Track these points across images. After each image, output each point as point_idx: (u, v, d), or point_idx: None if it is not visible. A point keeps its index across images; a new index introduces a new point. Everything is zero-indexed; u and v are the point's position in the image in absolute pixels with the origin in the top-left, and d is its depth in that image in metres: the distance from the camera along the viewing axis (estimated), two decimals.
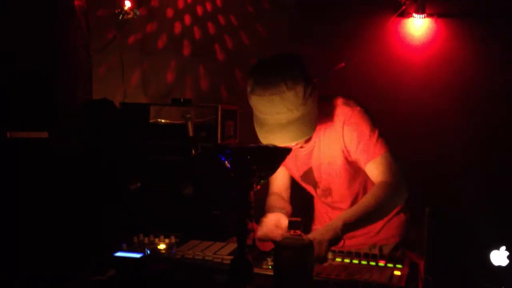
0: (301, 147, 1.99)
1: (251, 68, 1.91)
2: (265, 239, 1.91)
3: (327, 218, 2.23)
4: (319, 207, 2.30)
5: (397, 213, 2.17)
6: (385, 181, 1.89)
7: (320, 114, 1.93)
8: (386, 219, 2.11)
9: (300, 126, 1.83)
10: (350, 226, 1.76)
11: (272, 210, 2.09)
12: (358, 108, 1.98)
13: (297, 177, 2.18)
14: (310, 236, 1.68)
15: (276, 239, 1.79)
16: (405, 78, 3.44)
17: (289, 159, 2.08)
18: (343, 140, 1.96)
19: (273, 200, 2.19)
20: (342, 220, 1.77)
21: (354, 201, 2.10)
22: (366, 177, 2.02)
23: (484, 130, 3.31)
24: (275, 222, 1.96)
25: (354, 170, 2.03)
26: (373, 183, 1.96)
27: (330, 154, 2.00)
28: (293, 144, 1.90)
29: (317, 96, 1.90)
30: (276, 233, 1.90)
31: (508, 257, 1.42)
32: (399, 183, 1.90)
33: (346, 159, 2.00)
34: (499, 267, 1.42)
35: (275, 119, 1.82)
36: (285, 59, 1.86)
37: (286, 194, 2.25)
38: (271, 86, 1.79)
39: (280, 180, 2.25)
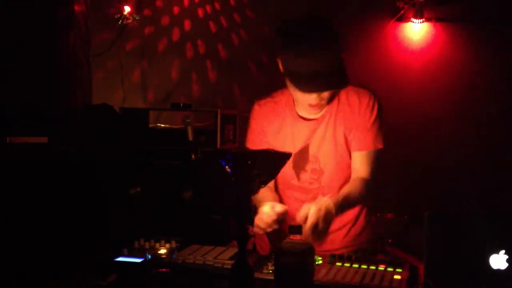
0: (319, 106, 1.94)
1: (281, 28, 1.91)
2: (267, 228, 1.85)
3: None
4: (291, 200, 2.11)
5: (359, 217, 2.10)
6: (366, 179, 1.96)
7: (337, 94, 1.96)
8: (351, 222, 2.09)
9: (338, 76, 1.85)
10: (337, 209, 1.83)
11: (263, 203, 1.97)
12: (374, 95, 2.01)
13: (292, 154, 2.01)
14: (305, 206, 1.75)
15: (273, 226, 1.84)
16: (404, 82, 3.45)
17: (286, 134, 2.02)
18: (353, 123, 1.96)
19: (260, 192, 2.06)
20: (333, 201, 1.82)
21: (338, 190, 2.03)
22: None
23: (483, 134, 3.32)
24: (271, 205, 1.90)
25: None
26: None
27: (338, 134, 1.97)
28: (325, 93, 1.89)
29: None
30: (269, 214, 1.85)
31: (507, 260, 1.42)
32: (374, 184, 1.98)
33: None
34: (498, 270, 1.43)
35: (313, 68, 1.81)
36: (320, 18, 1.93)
37: (272, 183, 2.08)
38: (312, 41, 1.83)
39: None
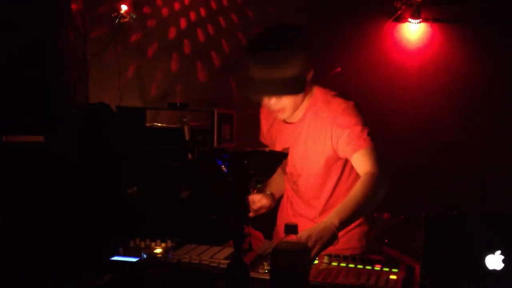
0: (280, 110, 1.99)
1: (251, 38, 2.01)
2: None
3: (289, 207, 2.20)
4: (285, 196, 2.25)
5: (359, 224, 2.08)
6: (371, 172, 1.88)
7: (314, 100, 2.02)
8: (347, 229, 1.97)
9: (287, 82, 1.90)
10: (345, 223, 1.77)
11: (268, 186, 2.19)
12: (352, 102, 2.00)
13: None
14: (305, 233, 1.65)
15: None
16: (401, 82, 3.46)
17: (272, 136, 2.15)
18: (333, 130, 1.96)
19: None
20: (338, 218, 1.74)
21: (324, 196, 2.07)
22: (338, 176, 2.05)
23: (479, 134, 3.33)
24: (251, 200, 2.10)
25: (329, 167, 2.03)
26: (346, 180, 2.04)
27: (314, 145, 2.00)
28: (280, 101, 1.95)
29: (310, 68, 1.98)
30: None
31: (503, 261, 1.42)
32: (384, 175, 1.90)
33: (329, 155, 1.99)
34: (494, 271, 1.43)
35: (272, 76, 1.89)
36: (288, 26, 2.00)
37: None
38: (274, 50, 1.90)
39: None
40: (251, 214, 2.07)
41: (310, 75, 1.98)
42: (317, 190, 2.07)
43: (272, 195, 2.19)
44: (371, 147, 1.93)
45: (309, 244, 1.60)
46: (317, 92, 2.03)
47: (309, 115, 2.02)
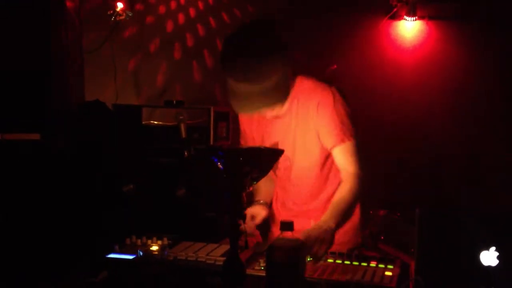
0: (277, 117, 1.93)
1: (226, 38, 1.83)
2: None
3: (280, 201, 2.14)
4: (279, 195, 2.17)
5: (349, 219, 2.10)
6: (355, 173, 1.94)
7: (298, 90, 1.92)
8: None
9: (270, 94, 1.78)
10: (338, 225, 1.88)
11: (257, 193, 2.07)
12: (334, 88, 1.94)
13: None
14: (304, 233, 1.73)
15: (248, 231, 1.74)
16: (397, 80, 3.46)
17: (259, 133, 2.04)
18: (317, 120, 1.91)
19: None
20: (334, 221, 1.85)
21: (316, 187, 2.05)
22: (331, 165, 2.01)
23: (475, 131, 3.34)
24: (251, 214, 2.01)
25: (325, 158, 1.99)
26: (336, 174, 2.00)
27: (303, 136, 1.95)
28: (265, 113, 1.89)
29: (291, 66, 1.85)
30: (248, 224, 1.82)
31: (498, 257, 1.43)
32: (363, 175, 1.95)
33: (320, 146, 1.96)
34: (489, 267, 1.43)
35: (247, 88, 1.76)
36: (259, 27, 1.84)
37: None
38: (246, 56, 1.75)
39: None
40: (254, 231, 2.00)
41: (290, 72, 1.86)
42: (312, 184, 2.03)
43: (266, 203, 2.11)
44: (352, 142, 1.92)
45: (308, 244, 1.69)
46: (300, 82, 1.94)
47: (294, 106, 1.93)
